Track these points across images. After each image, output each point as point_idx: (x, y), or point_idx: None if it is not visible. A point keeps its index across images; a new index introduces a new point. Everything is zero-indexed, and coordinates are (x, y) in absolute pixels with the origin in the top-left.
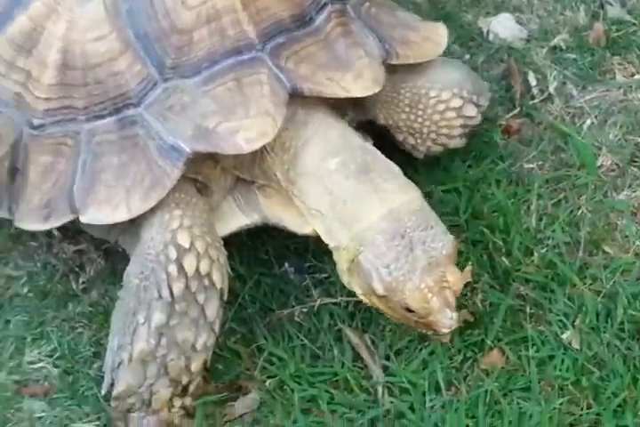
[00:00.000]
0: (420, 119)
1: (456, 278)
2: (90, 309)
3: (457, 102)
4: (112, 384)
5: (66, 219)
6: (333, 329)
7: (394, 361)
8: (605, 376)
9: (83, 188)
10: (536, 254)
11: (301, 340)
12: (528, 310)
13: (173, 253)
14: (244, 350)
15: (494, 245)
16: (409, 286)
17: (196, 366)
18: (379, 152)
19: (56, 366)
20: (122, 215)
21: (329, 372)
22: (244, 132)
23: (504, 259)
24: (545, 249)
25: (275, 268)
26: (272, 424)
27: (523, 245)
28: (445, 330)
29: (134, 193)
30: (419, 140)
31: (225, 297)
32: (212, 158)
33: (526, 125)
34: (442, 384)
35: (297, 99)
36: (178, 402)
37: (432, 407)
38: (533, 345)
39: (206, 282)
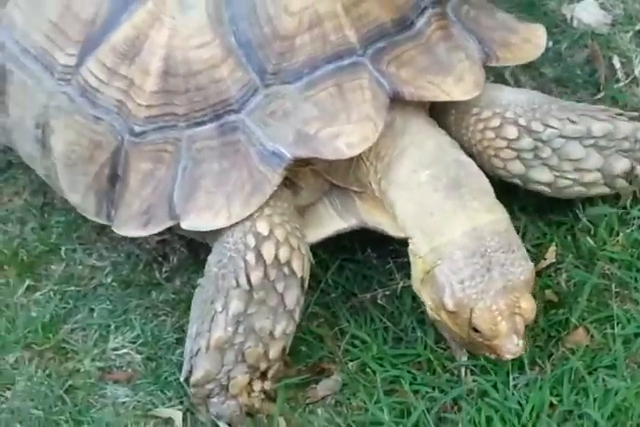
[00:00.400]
0: (465, 137)
1: (529, 307)
2: (173, 296)
3: (495, 122)
4: (190, 371)
5: (165, 225)
6: (416, 311)
7: None
8: None
9: (182, 194)
10: (621, 234)
11: (384, 322)
12: (613, 288)
13: (252, 241)
14: (326, 333)
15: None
16: (480, 306)
17: (274, 352)
18: (474, 166)
19: (139, 353)
20: (222, 222)
21: (411, 353)
22: (346, 138)
23: (588, 239)
24: (630, 229)
25: (357, 253)
26: (354, 406)
27: (607, 224)
28: (509, 356)
29: (235, 199)
30: (478, 161)
31: (306, 285)
32: (304, 160)
33: None
34: (525, 363)
35: (396, 106)
36: (257, 386)
37: (516, 386)
38: (619, 323)
39: (286, 270)
